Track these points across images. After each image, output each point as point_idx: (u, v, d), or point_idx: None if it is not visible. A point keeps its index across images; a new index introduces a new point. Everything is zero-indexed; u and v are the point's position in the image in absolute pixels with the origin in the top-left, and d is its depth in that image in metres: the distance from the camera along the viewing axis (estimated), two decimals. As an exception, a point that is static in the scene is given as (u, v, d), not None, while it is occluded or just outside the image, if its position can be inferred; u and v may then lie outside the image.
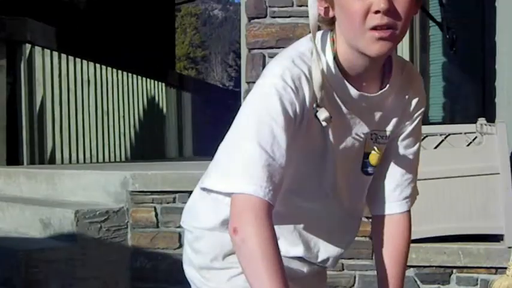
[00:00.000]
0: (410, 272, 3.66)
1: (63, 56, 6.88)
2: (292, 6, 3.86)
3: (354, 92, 1.52)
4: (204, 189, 1.47)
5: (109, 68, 8.12)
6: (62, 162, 6.76)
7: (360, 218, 1.79)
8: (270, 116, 1.38)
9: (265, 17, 3.92)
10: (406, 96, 1.62)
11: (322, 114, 1.46)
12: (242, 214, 1.35)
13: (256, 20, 3.94)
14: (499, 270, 3.54)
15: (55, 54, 6.68)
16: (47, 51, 6.49)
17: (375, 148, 1.62)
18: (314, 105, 1.46)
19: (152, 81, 9.62)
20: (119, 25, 9.80)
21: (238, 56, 3.55)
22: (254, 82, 3.88)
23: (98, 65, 7.81)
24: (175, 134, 10.67)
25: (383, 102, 1.58)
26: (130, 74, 8.79)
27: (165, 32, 12.49)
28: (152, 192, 3.92)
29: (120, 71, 8.45)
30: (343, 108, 1.54)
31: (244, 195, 1.34)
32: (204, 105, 12.35)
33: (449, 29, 4.19)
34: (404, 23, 1.42)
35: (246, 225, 1.33)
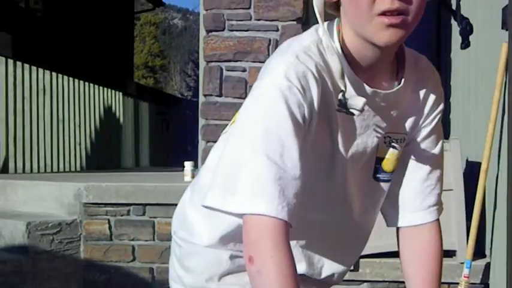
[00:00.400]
0: (363, 287, 3.68)
1: (19, 63, 6.79)
2: (250, 19, 3.86)
3: (366, 88, 1.34)
4: (207, 207, 1.27)
5: (65, 77, 8.05)
6: (16, 172, 6.66)
7: (370, 231, 1.61)
8: (276, 122, 1.21)
9: (223, 30, 3.92)
10: (422, 93, 1.45)
11: (357, 100, 1.29)
12: (258, 241, 1.18)
13: (214, 33, 3.94)
14: (452, 285, 3.58)
15: (10, 62, 6.58)
16: (2, 59, 6.40)
17: (390, 152, 1.45)
18: (340, 96, 1.29)
19: (109, 90, 9.55)
20: (76, 33, 9.71)
21: (197, 66, 3.55)
22: (211, 95, 3.92)
23: (54, 73, 7.73)
24: (131, 144, 10.60)
25: (398, 100, 1.40)
26: (87, 83, 8.71)
27: (124, 41, 12.42)
28: (106, 205, 3.88)
29: (76, 80, 8.37)
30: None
31: (258, 216, 1.18)
32: (161, 115, 12.29)
33: (464, 18, 3.81)
34: (418, 9, 1.25)
35: (263, 254, 1.17)
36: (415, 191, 1.51)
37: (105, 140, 9.32)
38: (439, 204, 1.53)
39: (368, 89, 1.34)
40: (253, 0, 3.87)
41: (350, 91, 1.31)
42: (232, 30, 3.91)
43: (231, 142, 1.27)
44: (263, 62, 3.84)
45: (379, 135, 1.42)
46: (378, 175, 1.47)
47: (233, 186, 1.20)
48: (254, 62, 3.89)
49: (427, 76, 1.46)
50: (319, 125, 1.30)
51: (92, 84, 8.86)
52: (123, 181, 4.24)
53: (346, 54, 1.32)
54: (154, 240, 3.81)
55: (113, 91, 9.69)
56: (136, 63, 29.24)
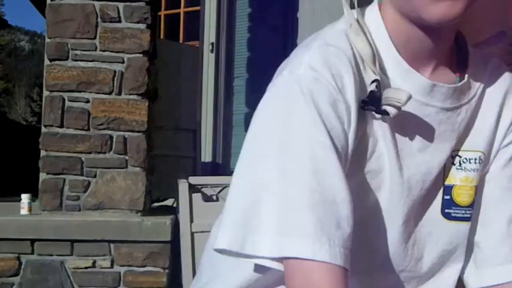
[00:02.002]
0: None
1: None
2: (96, 50, 3.77)
3: (422, 81, 0.99)
4: (218, 251, 0.93)
5: None
6: None
7: None
8: (304, 131, 0.89)
9: (67, 59, 3.80)
10: (499, 101, 1.07)
11: (398, 94, 0.94)
12: None
13: (57, 62, 3.81)
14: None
15: None
16: None
17: (462, 178, 1.06)
18: (373, 87, 0.95)
19: None
20: None
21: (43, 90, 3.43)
22: (52, 125, 3.78)
23: None
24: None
25: (465, 102, 1.04)
26: None
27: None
28: None
29: None
30: (404, 108, 0.96)
31: (299, 261, 0.85)
32: (2, 141, 11.77)
33: None
34: None
35: None
36: (500, 233, 1.06)
37: None
38: None
39: (424, 80, 0.99)
40: (99, 30, 3.79)
41: (394, 82, 0.98)
42: (76, 60, 3.80)
43: (240, 167, 0.95)
44: (107, 94, 3.79)
45: (445, 152, 1.04)
46: (447, 210, 1.06)
47: (252, 221, 0.88)
48: (98, 93, 3.79)
49: (504, 79, 1.09)
50: (361, 132, 0.96)
51: None
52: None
53: (391, 38, 1.00)
54: (-15, 277, 3.60)
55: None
56: (-22, 85, 27.90)
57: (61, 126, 3.79)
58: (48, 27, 3.83)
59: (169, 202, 4.90)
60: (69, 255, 3.62)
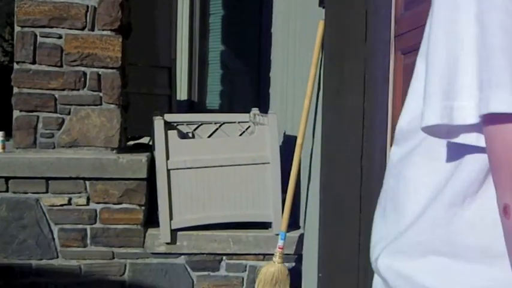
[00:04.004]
0: (181, 260, 3.67)
1: None
2: (67, -16, 3.68)
3: None
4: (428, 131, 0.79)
5: None
6: None
7: None
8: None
9: (38, -7, 3.71)
10: None
11: None
12: None
13: (28, -4, 3.72)
14: (267, 256, 3.66)
15: None
16: None
17: None
18: None
19: None
20: None
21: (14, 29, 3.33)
22: (24, 62, 3.70)
23: None
24: None
25: None
26: None
27: None
28: None
29: None
30: None
31: (501, 117, 0.69)
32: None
33: None
34: None
35: None
36: None
37: None
38: None
39: None
40: (71, -37, 3.70)
41: None
42: (47, -5, 3.71)
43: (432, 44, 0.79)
44: (80, 30, 3.71)
45: None
46: None
47: (453, 87, 0.74)
48: (71, 28, 3.72)
49: None
50: None
51: None
52: None
53: None
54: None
55: None
56: None
57: (33, 62, 3.72)
58: (17, -40, 3.73)
59: (144, 140, 4.88)
60: (44, 192, 3.60)
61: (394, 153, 0.98)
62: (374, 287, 1.01)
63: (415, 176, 0.90)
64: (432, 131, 0.78)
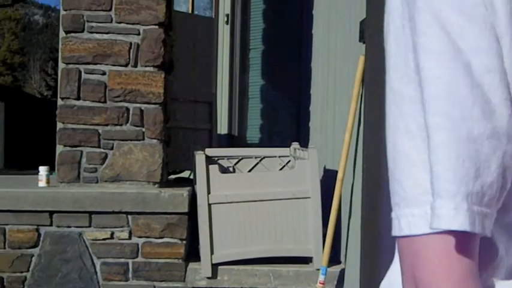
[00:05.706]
0: (222, 295, 3.67)
1: None
2: (111, 22, 3.76)
3: None
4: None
5: None
6: None
7: None
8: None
9: (82, 31, 3.79)
10: None
11: None
12: (433, 284, 0.63)
13: (73, 34, 3.81)
14: (307, 291, 3.64)
15: None
16: None
17: None
18: None
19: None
20: None
21: (58, 64, 3.40)
22: (69, 98, 3.78)
23: None
24: (-15, 145, 10.09)
25: None
26: None
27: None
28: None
29: None
30: None
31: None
32: (18, 115, 11.81)
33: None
34: None
35: None
36: None
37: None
38: None
39: None
40: (115, 2, 3.78)
41: None
42: (92, 32, 3.79)
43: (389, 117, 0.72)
44: (123, 66, 3.78)
45: None
46: None
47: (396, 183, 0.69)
48: (114, 65, 3.79)
49: None
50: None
51: None
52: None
53: None
54: (5, 248, 3.63)
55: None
56: (-6, 60, 27.99)
57: (78, 98, 3.80)
58: (63, -1, 3.83)
59: (185, 174, 4.92)
60: (87, 226, 3.65)
61: None
62: None
63: None
64: None
